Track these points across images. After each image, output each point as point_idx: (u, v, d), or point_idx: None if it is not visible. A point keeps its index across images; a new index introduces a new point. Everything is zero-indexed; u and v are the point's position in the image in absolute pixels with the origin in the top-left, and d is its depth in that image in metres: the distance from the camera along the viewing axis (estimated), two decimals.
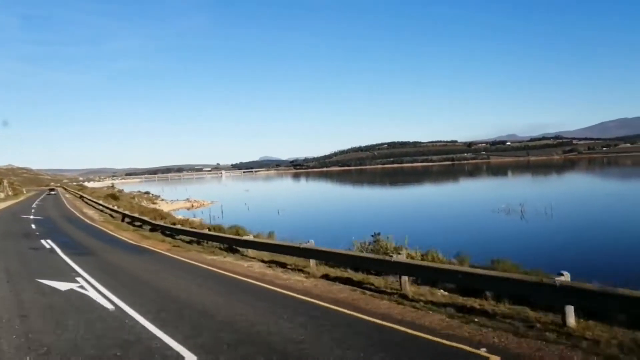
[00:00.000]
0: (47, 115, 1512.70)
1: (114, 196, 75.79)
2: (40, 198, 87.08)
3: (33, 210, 52.93)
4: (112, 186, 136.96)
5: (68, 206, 61.75)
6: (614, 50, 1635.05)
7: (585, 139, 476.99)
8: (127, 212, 40.62)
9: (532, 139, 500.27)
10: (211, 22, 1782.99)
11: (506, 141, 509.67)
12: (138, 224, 33.96)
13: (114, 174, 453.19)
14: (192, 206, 77.34)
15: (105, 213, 47.44)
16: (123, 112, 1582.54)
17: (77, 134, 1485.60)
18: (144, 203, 72.67)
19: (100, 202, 58.64)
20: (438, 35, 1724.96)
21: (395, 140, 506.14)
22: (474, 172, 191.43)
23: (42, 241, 24.40)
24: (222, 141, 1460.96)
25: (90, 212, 50.42)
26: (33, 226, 34.21)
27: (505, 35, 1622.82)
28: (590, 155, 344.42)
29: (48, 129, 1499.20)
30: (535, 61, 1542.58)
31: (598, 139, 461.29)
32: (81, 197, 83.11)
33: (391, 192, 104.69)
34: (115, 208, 46.69)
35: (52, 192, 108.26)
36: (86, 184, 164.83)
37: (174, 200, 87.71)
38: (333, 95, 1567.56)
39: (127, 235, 27.76)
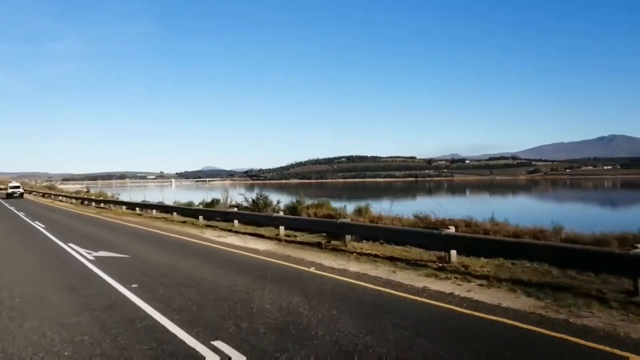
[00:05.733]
0: None
1: None
2: None
3: None
4: (88, 189, 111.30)
5: None
6: (551, 76, 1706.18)
7: (540, 160, 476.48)
8: None
9: (491, 158, 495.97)
10: (156, 27, 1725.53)
11: (465, 159, 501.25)
12: None
13: (49, 178, 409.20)
14: None
15: None
16: (57, 115, 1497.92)
17: (6, 136, 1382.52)
18: None
19: None
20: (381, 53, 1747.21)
21: (353, 154, 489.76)
22: (454, 189, 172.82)
23: None
24: (165, 149, 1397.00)
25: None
26: None
27: (446, 56, 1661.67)
28: (555, 176, 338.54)
29: None
30: (476, 82, 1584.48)
31: (554, 161, 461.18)
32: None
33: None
34: None
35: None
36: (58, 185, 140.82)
37: None
38: (279, 106, 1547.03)
39: None
